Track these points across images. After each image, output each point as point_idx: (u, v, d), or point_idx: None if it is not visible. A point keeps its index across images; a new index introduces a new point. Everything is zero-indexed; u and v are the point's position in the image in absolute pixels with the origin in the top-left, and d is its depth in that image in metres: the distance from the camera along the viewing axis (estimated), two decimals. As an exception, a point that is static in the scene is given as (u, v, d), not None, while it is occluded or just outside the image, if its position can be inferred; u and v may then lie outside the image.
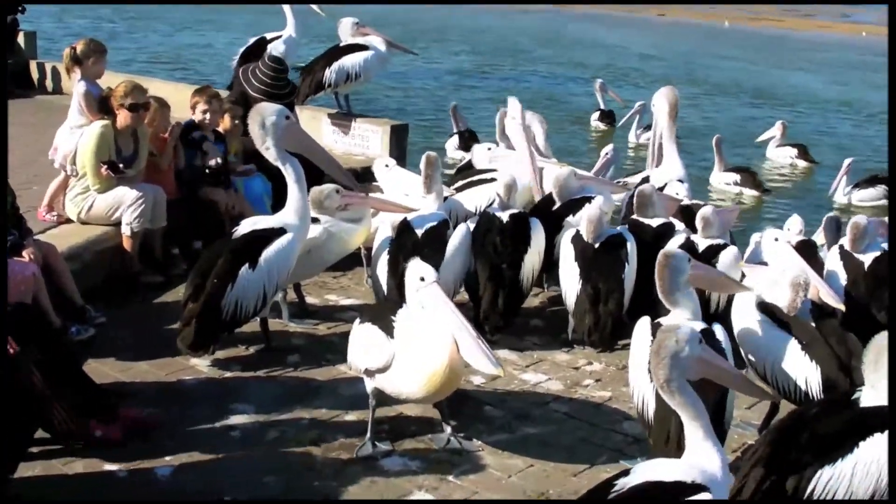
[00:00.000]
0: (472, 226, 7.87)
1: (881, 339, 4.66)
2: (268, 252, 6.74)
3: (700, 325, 5.49)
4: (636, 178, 10.09)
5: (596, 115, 21.42)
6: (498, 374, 5.77)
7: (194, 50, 28.55)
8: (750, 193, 16.32)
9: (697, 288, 6.10)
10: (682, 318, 5.66)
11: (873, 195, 15.45)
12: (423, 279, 5.68)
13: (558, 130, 20.08)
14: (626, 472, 4.16)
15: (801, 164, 19.20)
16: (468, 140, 15.03)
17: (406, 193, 8.52)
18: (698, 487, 4.06)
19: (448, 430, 6.08)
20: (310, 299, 8.18)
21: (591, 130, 21.02)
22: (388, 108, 20.88)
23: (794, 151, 19.36)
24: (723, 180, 16.58)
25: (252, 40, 13.85)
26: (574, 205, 8.42)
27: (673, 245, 7.43)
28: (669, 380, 4.36)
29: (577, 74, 30.27)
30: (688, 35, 49.08)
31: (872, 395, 4.68)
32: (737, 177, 16.52)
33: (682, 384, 4.41)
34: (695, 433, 4.30)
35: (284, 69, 9.86)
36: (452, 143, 16.28)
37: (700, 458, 4.23)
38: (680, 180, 9.50)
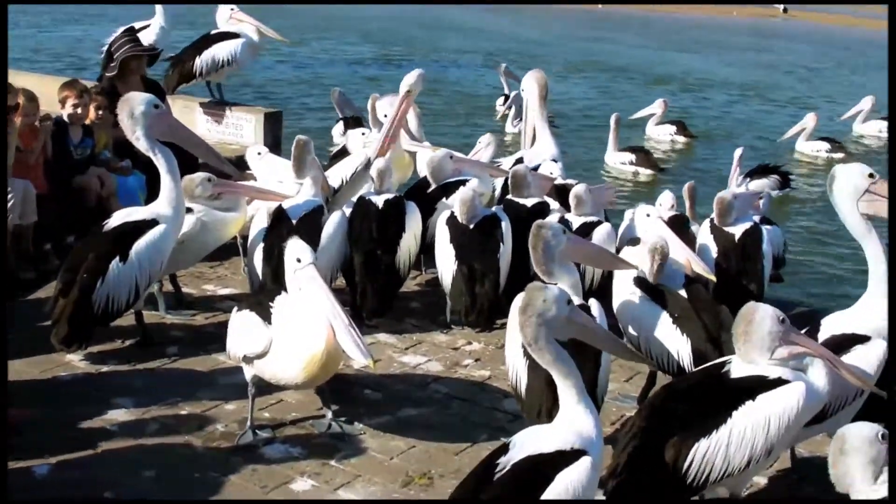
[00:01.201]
0: (347, 211, 7.88)
1: (748, 311, 4.80)
2: (139, 244, 6.64)
3: (577, 301, 5.57)
4: (511, 160, 10.17)
5: (501, 100, 21.42)
6: (369, 365, 5.72)
7: (78, 43, 27.83)
8: (645, 172, 16.58)
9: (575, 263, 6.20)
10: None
11: (767, 185, 15.57)
12: (299, 260, 5.64)
13: (464, 118, 20.24)
14: (505, 449, 4.19)
15: (681, 139, 19.62)
16: (353, 126, 14.95)
17: (280, 181, 8.48)
18: (578, 453, 4.14)
19: (329, 414, 6.09)
20: (186, 290, 8.08)
21: (497, 116, 20.96)
22: (285, 98, 20.88)
23: (673, 128, 19.82)
24: (618, 160, 16.82)
25: (119, 30, 13.62)
26: (449, 187, 8.47)
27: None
28: (537, 338, 4.38)
29: (476, 62, 30.44)
30: (571, 20, 49.40)
31: (742, 365, 4.83)
32: (632, 156, 16.79)
33: (550, 342, 4.43)
34: (569, 395, 4.32)
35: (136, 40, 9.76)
36: (338, 130, 16.18)
37: (575, 422, 4.27)
38: (554, 160, 9.63)
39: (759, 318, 4.73)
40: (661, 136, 19.72)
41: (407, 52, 31.63)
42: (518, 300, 5.70)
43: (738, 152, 13.13)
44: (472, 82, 26.22)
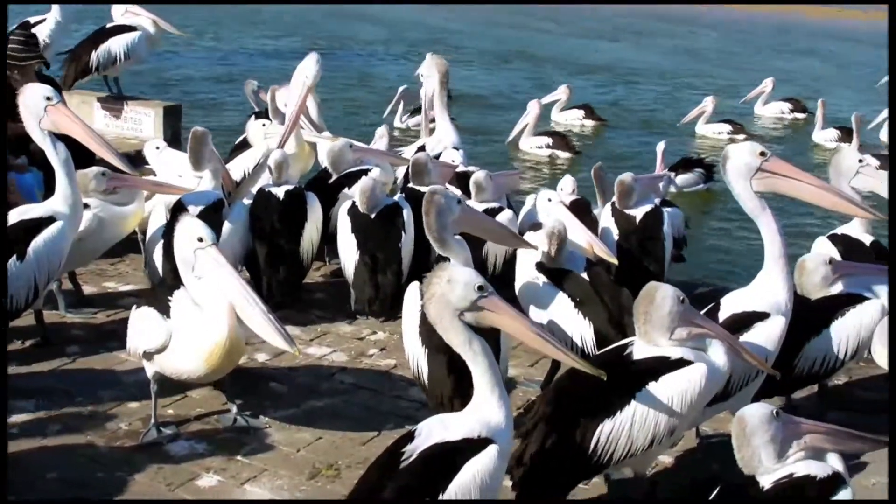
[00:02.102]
0: (247, 203, 7.82)
1: (649, 291, 4.85)
2: (36, 242, 6.49)
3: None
4: (412, 148, 10.18)
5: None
6: (294, 353, 5.65)
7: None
8: (563, 156, 16.66)
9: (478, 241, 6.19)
10: None
11: (692, 180, 15.58)
12: (201, 240, 5.47)
13: (373, 109, 20.10)
14: (411, 437, 4.15)
15: (590, 123, 19.81)
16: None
17: (179, 175, 8.37)
18: (485, 441, 4.10)
19: (234, 409, 6.04)
20: (87, 288, 7.93)
21: (385, 112, 20.84)
22: (201, 92, 20.65)
23: (581, 112, 20.01)
24: (533, 144, 16.87)
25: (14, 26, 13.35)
26: (350, 177, 8.43)
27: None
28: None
29: (397, 52, 30.37)
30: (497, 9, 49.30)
31: (644, 346, 4.89)
32: (548, 140, 16.87)
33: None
34: (481, 381, 4.24)
35: (32, 36, 9.52)
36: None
37: (483, 410, 4.22)
38: (455, 147, 9.65)
39: (660, 299, 4.78)
40: (569, 121, 19.86)
41: (328, 44, 31.36)
42: (411, 288, 5.72)
43: (660, 147, 13.28)
44: (390, 73, 26.08)
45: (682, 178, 15.67)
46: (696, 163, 15.66)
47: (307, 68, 9.03)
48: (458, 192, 7.90)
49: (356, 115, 19.19)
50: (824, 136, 20.17)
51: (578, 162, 16.56)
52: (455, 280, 4.21)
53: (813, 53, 39.20)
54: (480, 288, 4.21)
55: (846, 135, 19.30)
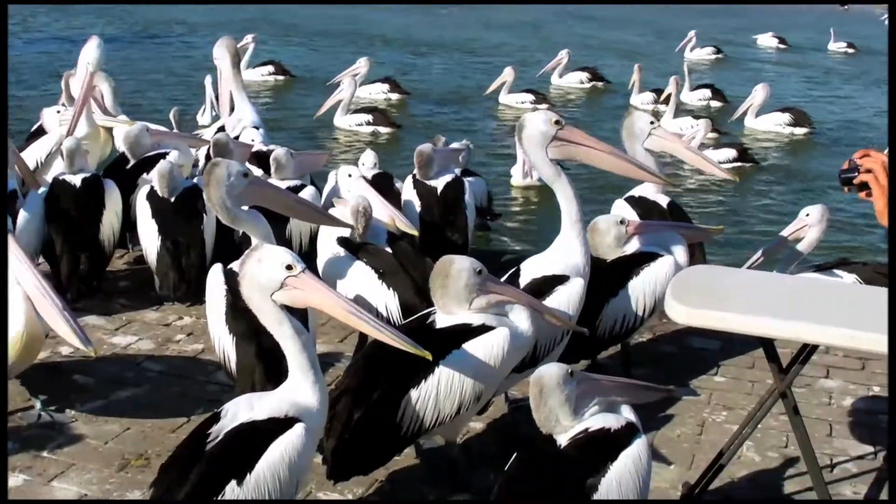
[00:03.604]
0: (43, 192, 7.61)
1: (444, 264, 4.90)
2: None
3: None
4: (212, 129, 10.05)
5: None
6: (89, 353, 5.44)
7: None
8: (385, 131, 16.62)
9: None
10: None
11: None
12: None
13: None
14: (217, 418, 4.10)
15: (395, 96, 19.90)
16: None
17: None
18: (292, 420, 4.08)
19: (38, 404, 5.87)
20: None
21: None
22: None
23: (386, 86, 20.10)
24: (352, 122, 16.75)
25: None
26: (149, 162, 8.25)
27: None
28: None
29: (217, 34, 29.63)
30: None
31: (444, 316, 4.94)
32: (368, 116, 16.75)
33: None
34: (293, 361, 4.21)
35: None
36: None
37: (292, 389, 4.21)
38: (255, 126, 9.57)
39: (456, 271, 4.82)
40: (375, 95, 19.86)
41: (145, 30, 30.59)
42: (214, 270, 5.65)
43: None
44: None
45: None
46: None
47: (89, 53, 8.80)
48: (259, 171, 7.89)
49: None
50: (641, 100, 20.88)
51: (399, 136, 16.53)
52: (264, 259, 4.17)
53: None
54: (289, 267, 4.16)
55: (661, 97, 19.97)
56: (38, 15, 31.04)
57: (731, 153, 15.15)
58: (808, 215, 7.32)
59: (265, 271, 4.16)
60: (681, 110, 18.59)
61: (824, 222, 7.30)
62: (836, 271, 6.99)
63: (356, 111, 17.00)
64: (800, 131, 18.45)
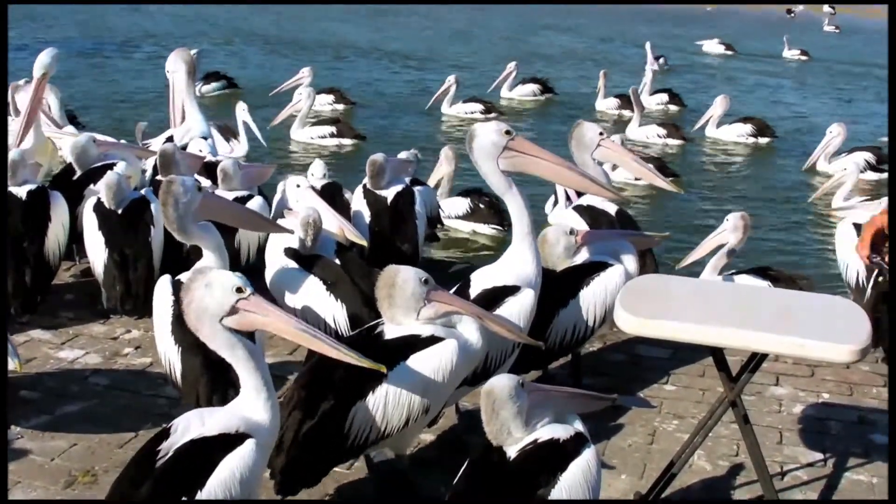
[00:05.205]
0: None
1: (389, 274, 4.86)
2: None
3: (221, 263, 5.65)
4: (161, 139, 9.97)
5: None
6: (15, 370, 5.48)
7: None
8: (348, 142, 16.54)
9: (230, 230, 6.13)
10: (210, 262, 5.66)
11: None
12: None
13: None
14: (167, 434, 4.03)
15: (341, 106, 19.85)
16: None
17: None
18: (243, 436, 4.02)
19: (-19, 420, 5.80)
20: None
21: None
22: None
23: (331, 97, 20.01)
24: (315, 134, 16.66)
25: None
26: (95, 173, 8.16)
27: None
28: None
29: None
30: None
31: (392, 327, 4.90)
32: (332, 129, 16.66)
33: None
34: (246, 379, 4.15)
35: None
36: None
37: (244, 405, 4.15)
38: (203, 137, 9.50)
39: (402, 281, 4.79)
40: (320, 106, 19.73)
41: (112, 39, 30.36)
42: (161, 282, 5.60)
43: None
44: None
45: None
46: None
47: (41, 63, 8.70)
48: (207, 182, 7.82)
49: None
50: (606, 105, 21.48)
51: (364, 147, 16.39)
52: (212, 284, 4.07)
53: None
54: (239, 290, 4.08)
55: (626, 102, 20.15)
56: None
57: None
58: (727, 221, 7.58)
59: (215, 296, 4.06)
60: (644, 117, 18.76)
61: (741, 229, 7.47)
62: (753, 277, 7.41)
63: (316, 123, 16.93)
64: (763, 140, 18.68)
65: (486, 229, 11.42)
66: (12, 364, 5.28)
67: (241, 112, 14.49)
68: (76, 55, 25.70)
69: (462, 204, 11.48)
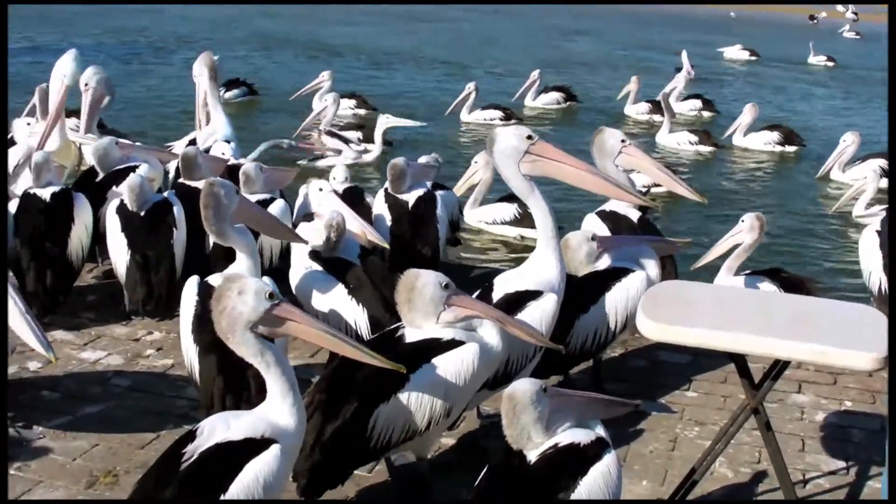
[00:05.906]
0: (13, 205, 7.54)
1: (409, 278, 4.86)
2: None
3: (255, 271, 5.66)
4: (183, 142, 10.00)
5: None
6: (49, 360, 5.50)
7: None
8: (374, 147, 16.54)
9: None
10: (242, 266, 5.71)
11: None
12: None
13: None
14: (192, 436, 4.03)
15: (363, 111, 19.82)
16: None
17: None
18: (268, 441, 4.03)
19: (5, 421, 5.82)
20: None
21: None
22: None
23: (353, 102, 19.94)
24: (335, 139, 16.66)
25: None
26: (118, 175, 8.19)
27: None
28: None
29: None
30: None
31: (412, 330, 4.90)
32: (358, 134, 16.57)
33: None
34: (274, 387, 4.16)
35: None
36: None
37: (270, 410, 4.16)
38: (226, 140, 9.53)
39: (421, 285, 4.79)
40: (341, 111, 19.66)
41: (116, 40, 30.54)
42: (190, 283, 5.63)
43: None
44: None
45: None
46: None
47: (64, 66, 8.74)
48: (231, 183, 7.82)
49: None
50: (636, 110, 21.50)
51: (390, 153, 16.32)
52: (245, 291, 4.08)
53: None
54: (271, 296, 4.10)
55: (656, 107, 20.09)
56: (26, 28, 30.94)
57: None
58: (743, 221, 7.61)
59: (249, 303, 4.08)
60: (674, 123, 18.71)
61: (757, 230, 7.51)
62: (763, 278, 7.46)
63: (342, 129, 16.87)
64: (790, 149, 18.61)
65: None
66: (46, 353, 5.28)
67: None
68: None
69: (509, 210, 11.50)
